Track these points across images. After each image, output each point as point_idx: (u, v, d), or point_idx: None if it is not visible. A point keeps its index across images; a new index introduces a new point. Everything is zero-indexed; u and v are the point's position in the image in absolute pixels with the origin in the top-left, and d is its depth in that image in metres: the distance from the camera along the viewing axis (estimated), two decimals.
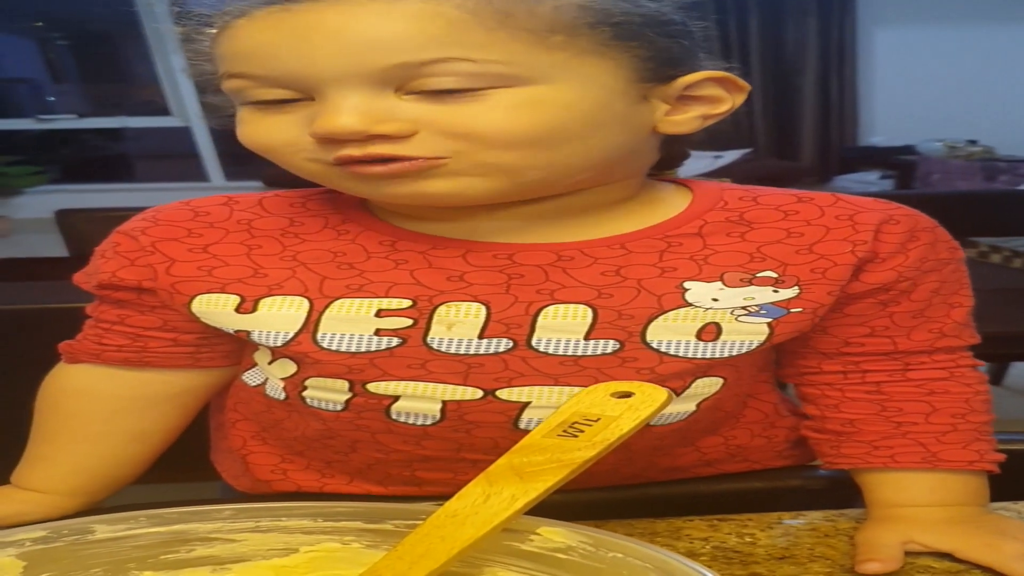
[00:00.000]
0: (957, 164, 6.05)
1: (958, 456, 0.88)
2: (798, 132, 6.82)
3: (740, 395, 0.95)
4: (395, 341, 0.85)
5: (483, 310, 0.86)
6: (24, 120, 6.23)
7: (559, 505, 0.70)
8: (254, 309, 0.87)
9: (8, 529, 0.70)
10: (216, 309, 0.88)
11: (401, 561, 0.65)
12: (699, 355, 0.86)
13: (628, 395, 0.74)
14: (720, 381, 0.89)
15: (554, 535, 0.68)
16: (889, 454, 0.89)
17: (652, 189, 0.93)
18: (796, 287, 0.86)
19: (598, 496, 0.92)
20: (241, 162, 5.99)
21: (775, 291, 0.86)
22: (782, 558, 0.82)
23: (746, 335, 0.86)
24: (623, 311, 0.85)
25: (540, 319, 0.85)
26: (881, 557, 0.80)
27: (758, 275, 0.86)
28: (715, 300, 0.85)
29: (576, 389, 0.83)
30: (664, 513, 0.88)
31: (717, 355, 0.86)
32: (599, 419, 0.72)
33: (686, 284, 0.86)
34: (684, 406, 0.89)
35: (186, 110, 6.33)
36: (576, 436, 0.71)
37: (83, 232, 2.52)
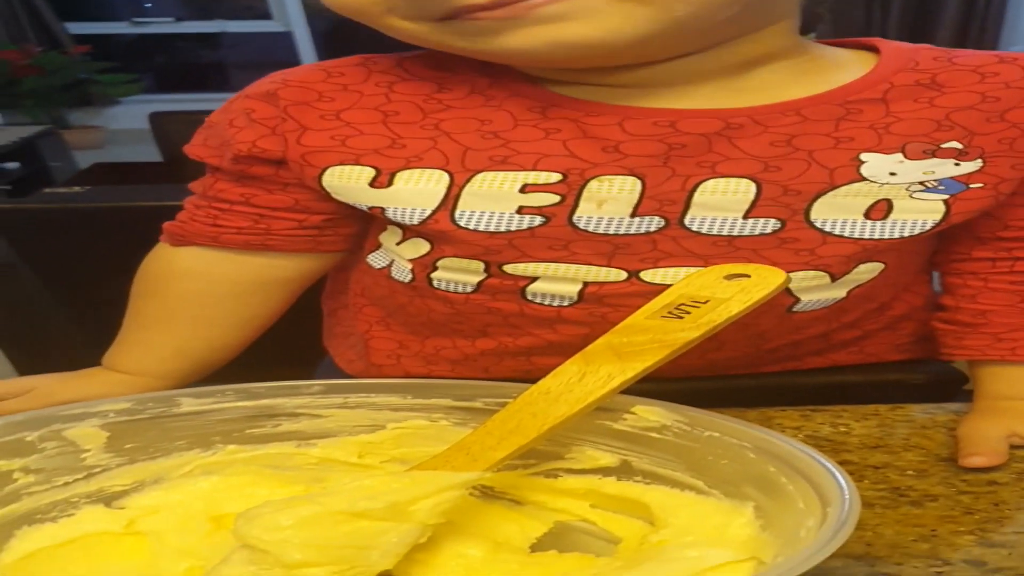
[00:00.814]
0: None
1: None
2: (932, 37, 6.55)
3: (896, 285, 0.89)
4: (538, 220, 0.80)
5: (638, 184, 0.79)
6: (118, 24, 6.18)
7: (648, 394, 0.68)
8: (390, 183, 0.81)
9: (91, 401, 0.69)
10: (349, 183, 0.82)
11: (490, 436, 0.64)
12: (866, 235, 0.80)
13: (743, 277, 0.71)
14: (880, 267, 0.83)
15: (649, 414, 0.67)
16: (1011, 347, 0.85)
17: (825, 52, 0.86)
18: (980, 159, 0.80)
19: (687, 386, 0.89)
20: None
21: (956, 164, 0.80)
22: (875, 447, 0.79)
23: (920, 213, 0.80)
24: (789, 186, 0.79)
25: (697, 195, 0.79)
26: (985, 450, 0.76)
27: (943, 146, 0.80)
28: (892, 174, 0.79)
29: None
30: (755, 404, 0.86)
31: (886, 236, 0.80)
32: (708, 301, 0.69)
33: (863, 156, 0.80)
34: (834, 292, 0.84)
35: (287, 14, 6.25)
36: (681, 318, 0.68)
37: (178, 136, 2.52)
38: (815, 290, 0.82)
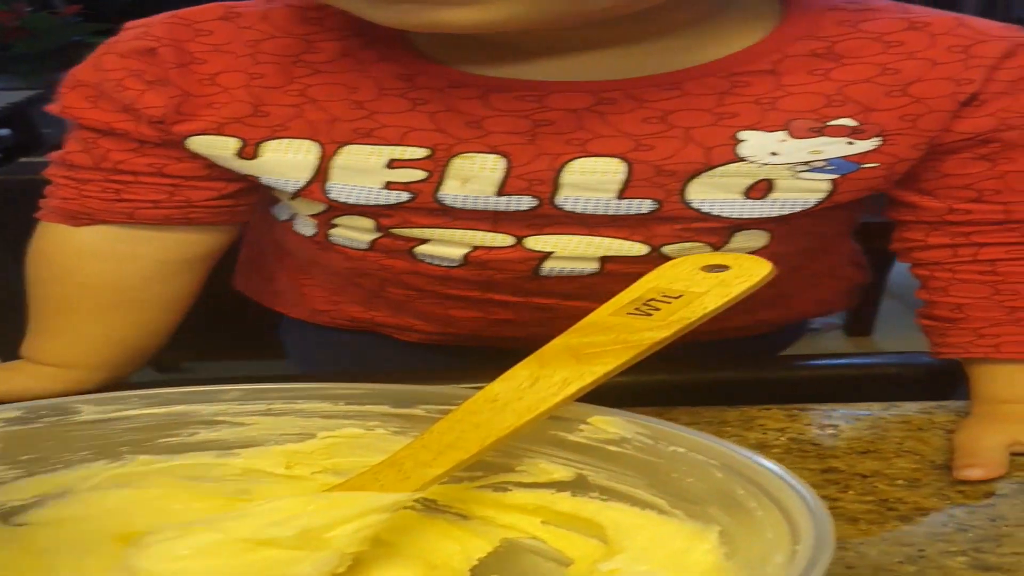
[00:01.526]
0: None
1: None
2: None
3: (804, 251, 0.84)
4: (405, 196, 0.77)
5: (502, 162, 0.76)
6: None
7: (620, 388, 0.61)
8: (256, 155, 0.78)
9: None
10: (216, 153, 0.78)
11: (426, 450, 0.57)
12: (745, 214, 0.76)
13: (722, 268, 0.64)
14: (764, 235, 0.78)
15: (607, 425, 0.59)
16: (993, 343, 0.78)
17: (730, 10, 0.78)
18: (878, 138, 0.75)
19: (664, 379, 0.83)
20: None
21: (850, 143, 0.75)
22: (865, 452, 0.73)
23: (801, 192, 0.75)
24: (663, 167, 0.75)
25: (565, 175, 0.75)
26: (983, 461, 0.70)
27: (832, 123, 0.74)
28: (774, 154, 0.74)
29: (613, 241, 0.76)
30: (738, 400, 0.80)
31: (764, 214, 0.76)
32: (681, 295, 0.62)
33: (741, 135, 0.74)
34: None
35: None
36: (650, 315, 0.61)
37: None
38: None
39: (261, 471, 0.65)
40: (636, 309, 0.62)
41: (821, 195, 0.76)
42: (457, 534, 0.62)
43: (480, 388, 0.59)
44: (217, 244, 0.87)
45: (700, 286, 0.62)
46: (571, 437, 0.60)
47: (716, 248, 0.78)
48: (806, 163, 0.74)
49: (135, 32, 0.81)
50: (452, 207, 0.76)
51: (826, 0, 0.79)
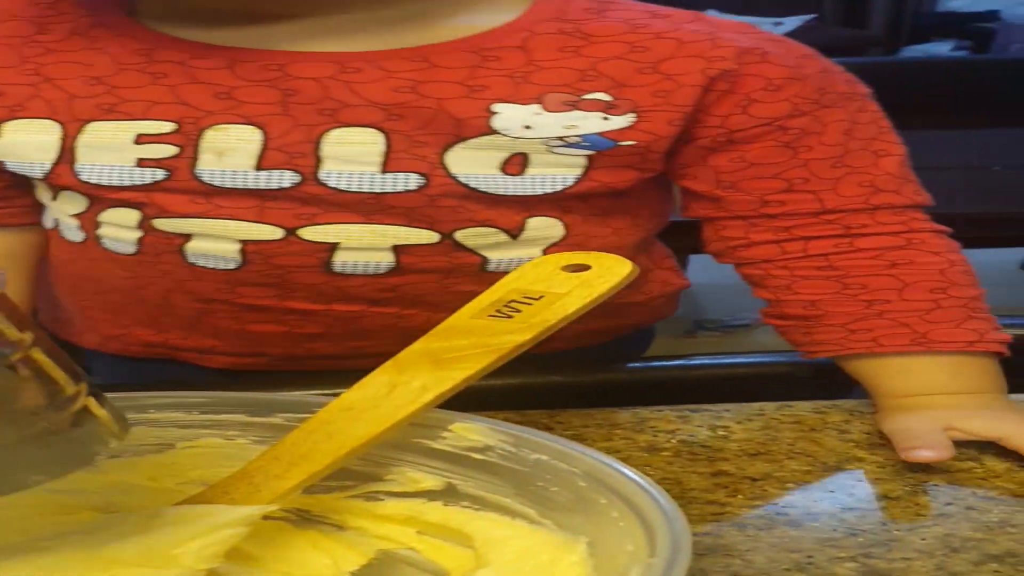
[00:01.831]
0: None
1: (953, 336, 0.76)
2: None
3: (606, 248, 0.82)
4: (160, 174, 0.75)
5: (258, 134, 0.74)
6: None
7: (509, 391, 0.60)
8: None
9: None
10: None
11: (278, 462, 0.54)
12: (506, 191, 0.75)
13: (584, 268, 0.62)
14: (556, 223, 0.78)
15: (468, 432, 0.57)
16: (870, 337, 0.77)
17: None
18: (632, 114, 0.75)
19: (555, 381, 0.81)
20: None
21: (605, 118, 0.75)
22: (756, 454, 0.71)
23: (558, 168, 0.75)
24: (416, 136, 0.74)
25: (325, 146, 0.74)
26: (931, 444, 0.69)
27: (585, 97, 0.74)
28: (528, 127, 0.74)
29: (399, 229, 0.74)
30: (630, 402, 0.78)
31: (525, 191, 0.75)
32: (542, 296, 0.60)
33: (495, 107, 0.74)
34: (527, 251, 0.78)
35: None
36: (510, 317, 0.59)
37: None
38: (498, 248, 0.78)
39: (129, 483, 0.61)
40: (497, 311, 0.60)
41: (578, 172, 0.75)
42: (329, 546, 0.59)
43: (336, 395, 0.57)
44: (22, 246, 0.85)
45: (562, 287, 0.60)
46: (435, 445, 0.58)
47: (513, 236, 0.77)
48: (560, 138, 0.74)
49: None
50: (211, 184, 0.74)
51: None
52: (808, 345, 0.80)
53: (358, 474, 0.59)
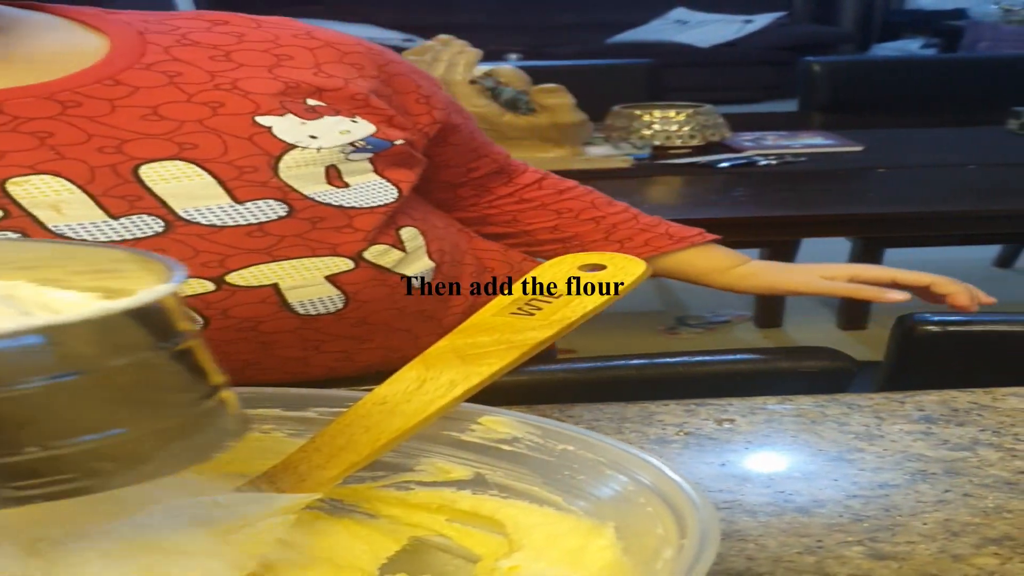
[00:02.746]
0: (1010, 30, 5.60)
1: (690, 232, 0.94)
2: None
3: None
4: None
5: None
6: None
7: (521, 386, 0.62)
8: None
9: None
10: None
11: (319, 453, 0.57)
12: None
13: (600, 268, 0.65)
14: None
15: (497, 425, 0.60)
16: (666, 239, 0.96)
17: (41, 31, 0.85)
18: None
19: (564, 376, 0.83)
20: None
21: None
22: (762, 446, 0.74)
23: None
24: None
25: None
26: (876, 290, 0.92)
27: None
28: None
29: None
30: (638, 396, 0.80)
31: None
32: (561, 295, 0.63)
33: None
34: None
35: None
36: (532, 315, 0.62)
37: None
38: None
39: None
40: (519, 309, 0.62)
41: None
42: (365, 534, 0.61)
43: (369, 391, 0.59)
44: None
45: (579, 286, 0.63)
46: (464, 437, 0.61)
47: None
48: None
49: None
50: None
51: (143, 25, 0.87)
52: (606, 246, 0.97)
53: (389, 465, 0.62)
